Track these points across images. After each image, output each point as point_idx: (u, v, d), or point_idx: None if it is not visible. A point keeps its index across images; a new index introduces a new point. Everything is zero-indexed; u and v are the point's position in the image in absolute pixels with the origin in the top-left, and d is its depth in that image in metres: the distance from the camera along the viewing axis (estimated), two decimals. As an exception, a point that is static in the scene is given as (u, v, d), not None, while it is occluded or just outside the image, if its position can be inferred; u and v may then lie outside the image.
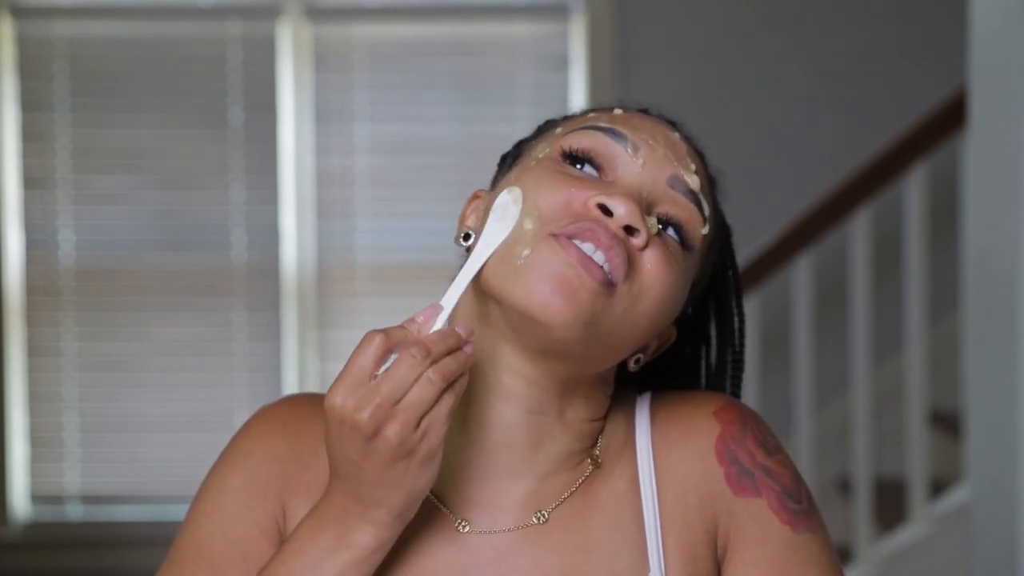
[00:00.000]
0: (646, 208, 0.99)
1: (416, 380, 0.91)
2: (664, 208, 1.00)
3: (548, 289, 0.94)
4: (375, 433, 0.91)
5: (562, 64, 3.84)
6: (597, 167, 1.01)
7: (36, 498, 3.95)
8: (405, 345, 0.92)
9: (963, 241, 2.62)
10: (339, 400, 0.92)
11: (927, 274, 3.08)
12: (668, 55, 3.81)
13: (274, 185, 3.89)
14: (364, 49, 3.88)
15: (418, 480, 0.93)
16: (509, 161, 1.10)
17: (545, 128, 1.10)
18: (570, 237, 0.95)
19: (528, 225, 0.97)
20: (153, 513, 3.92)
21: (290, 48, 3.88)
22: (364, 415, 0.91)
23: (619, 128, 1.03)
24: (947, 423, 3.31)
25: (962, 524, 2.83)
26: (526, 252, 0.96)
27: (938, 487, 3.19)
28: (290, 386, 3.90)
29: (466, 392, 0.98)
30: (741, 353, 1.15)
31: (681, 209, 1.01)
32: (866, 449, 3.09)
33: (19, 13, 3.90)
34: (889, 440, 3.43)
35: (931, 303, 3.20)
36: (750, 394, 3.13)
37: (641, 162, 1.01)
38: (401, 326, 0.94)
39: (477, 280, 0.99)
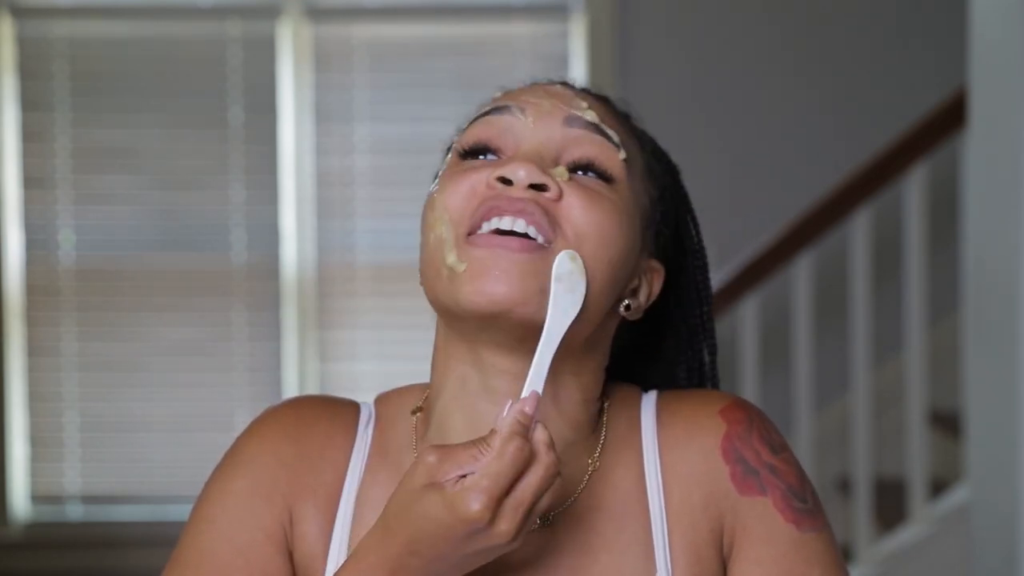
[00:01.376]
0: (552, 162, 0.99)
1: (547, 491, 0.90)
2: (570, 153, 1.00)
3: (488, 285, 0.94)
4: (512, 540, 0.89)
5: (562, 64, 3.84)
6: (495, 150, 1.02)
7: (36, 498, 3.95)
8: (539, 457, 0.89)
9: (963, 241, 2.62)
10: (485, 513, 0.88)
11: (927, 274, 3.08)
12: (668, 55, 3.81)
13: (274, 185, 3.89)
14: (364, 49, 3.88)
15: (483, 561, 0.93)
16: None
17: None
18: (482, 220, 0.96)
19: (444, 234, 0.98)
20: (153, 513, 3.92)
21: (290, 48, 3.88)
22: (509, 528, 0.88)
23: (500, 102, 1.04)
24: (947, 423, 3.31)
25: (962, 524, 2.82)
26: (451, 262, 0.96)
27: (938, 487, 3.19)
28: (290, 386, 3.90)
29: (464, 402, 0.99)
30: (708, 292, 1.14)
31: (588, 145, 1.01)
32: (866, 449, 3.09)
33: (19, 13, 3.90)
34: (889, 440, 3.43)
35: (931, 303, 3.20)
36: (750, 394, 3.13)
37: (531, 120, 1.01)
38: (519, 421, 0.90)
39: (433, 304, 1.00)
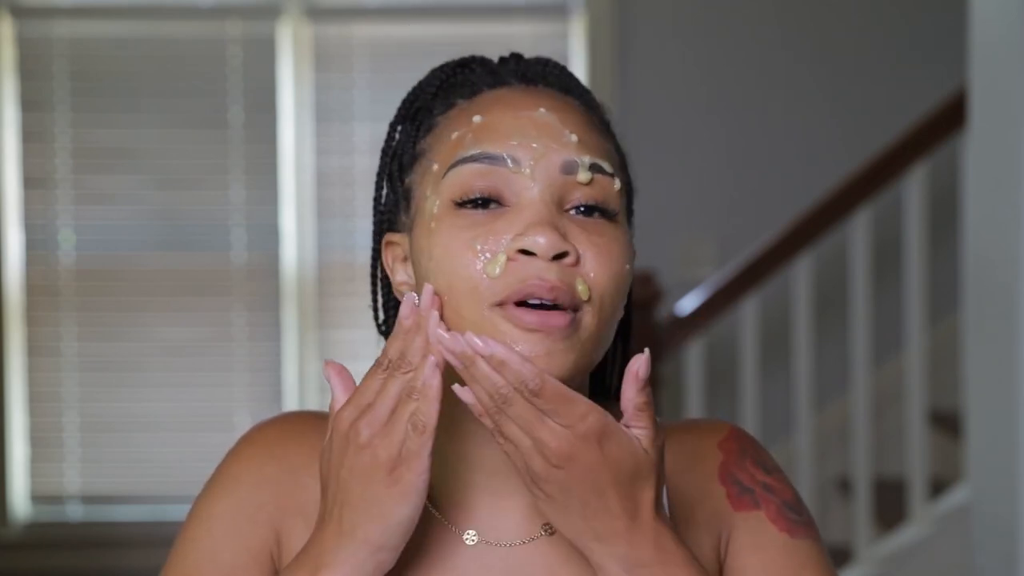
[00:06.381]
0: (558, 208, 0.96)
1: (399, 399, 0.92)
2: (573, 198, 0.97)
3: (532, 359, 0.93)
4: (366, 446, 0.91)
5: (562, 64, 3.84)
6: (493, 199, 0.97)
7: (36, 498, 3.96)
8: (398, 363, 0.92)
9: (963, 241, 2.62)
10: (347, 413, 0.93)
11: (927, 274, 3.08)
12: (668, 55, 3.81)
13: (274, 185, 3.90)
14: (364, 49, 3.88)
15: (396, 509, 0.91)
16: (399, 177, 1.10)
17: (417, 120, 1.12)
18: (516, 297, 0.93)
19: (466, 313, 0.94)
20: (153, 513, 3.92)
21: (290, 48, 3.88)
22: (368, 433, 0.91)
23: (489, 148, 0.97)
24: (947, 423, 3.31)
25: (962, 524, 2.83)
26: (491, 316, 0.94)
27: (938, 487, 3.19)
28: (290, 386, 3.90)
29: (457, 415, 0.98)
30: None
31: (588, 189, 0.97)
32: (866, 449, 3.09)
33: (19, 13, 3.90)
34: (889, 440, 3.43)
35: (931, 303, 3.20)
36: (750, 394, 3.13)
37: (528, 171, 0.96)
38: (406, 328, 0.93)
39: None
